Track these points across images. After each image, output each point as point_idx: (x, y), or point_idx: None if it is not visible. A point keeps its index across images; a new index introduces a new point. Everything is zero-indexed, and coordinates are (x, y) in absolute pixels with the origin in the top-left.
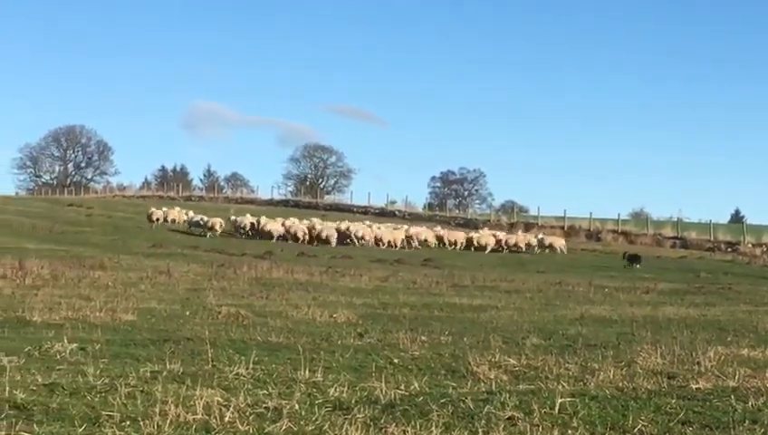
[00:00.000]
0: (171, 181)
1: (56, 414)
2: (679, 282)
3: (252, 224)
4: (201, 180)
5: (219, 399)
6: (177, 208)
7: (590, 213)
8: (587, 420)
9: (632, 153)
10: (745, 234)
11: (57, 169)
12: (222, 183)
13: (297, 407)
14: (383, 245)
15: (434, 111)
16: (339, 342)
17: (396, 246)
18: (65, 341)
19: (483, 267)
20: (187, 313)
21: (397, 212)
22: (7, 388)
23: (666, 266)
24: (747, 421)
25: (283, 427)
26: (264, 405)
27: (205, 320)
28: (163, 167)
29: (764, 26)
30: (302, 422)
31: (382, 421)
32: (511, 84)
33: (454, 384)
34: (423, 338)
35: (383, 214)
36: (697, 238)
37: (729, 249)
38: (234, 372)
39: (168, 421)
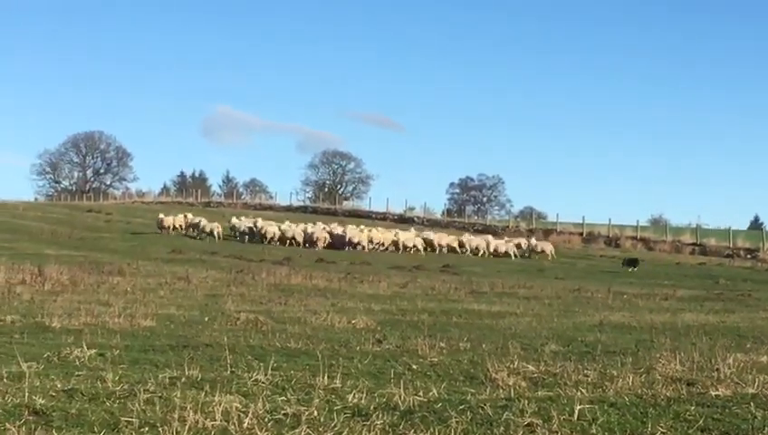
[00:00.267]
0: (190, 187)
1: (75, 420)
2: (698, 289)
3: (250, 228)
4: (220, 186)
5: (238, 405)
6: (181, 215)
7: (609, 219)
8: (606, 427)
9: (651, 160)
10: (765, 240)
11: (76, 174)
12: (241, 189)
13: (316, 413)
14: (375, 246)
15: (453, 117)
16: (357, 348)
17: (386, 247)
18: (84, 346)
19: (501, 274)
20: (206, 319)
21: (415, 218)
22: (27, 393)
23: (685, 273)
24: (767, 428)
25: (302, 433)
26: (282, 411)
27: (223, 326)
28: (182, 173)
29: None
30: (320, 429)
31: (401, 428)
32: (530, 90)
33: (472, 391)
34: (442, 344)
35: (402, 220)
36: (716, 245)
37: (748, 256)
38: (252, 379)
39: (187, 428)
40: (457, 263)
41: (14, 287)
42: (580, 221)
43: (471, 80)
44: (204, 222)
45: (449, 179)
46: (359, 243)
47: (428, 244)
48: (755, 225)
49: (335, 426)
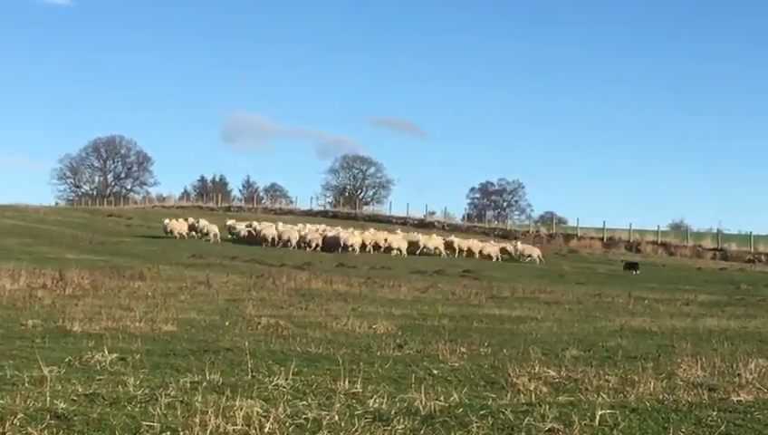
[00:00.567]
0: (210, 192)
1: (97, 424)
2: (719, 294)
3: (249, 232)
4: (240, 191)
5: (259, 410)
6: (181, 219)
7: (630, 224)
8: (627, 433)
9: (672, 164)
10: None
11: (97, 179)
12: (261, 194)
13: (337, 418)
14: (372, 248)
15: (474, 121)
16: (378, 353)
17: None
18: (105, 351)
19: (522, 279)
20: (227, 323)
21: (436, 223)
22: (48, 398)
23: (706, 278)
24: None
25: None
26: (303, 416)
27: (244, 330)
28: (202, 177)
29: None
30: (341, 433)
31: (422, 433)
32: (550, 95)
33: (493, 396)
34: (462, 349)
35: (422, 225)
36: (737, 250)
37: None
38: (273, 383)
39: (208, 432)
40: (478, 268)
41: (36, 292)
42: (601, 226)
43: (491, 84)
44: (202, 223)
45: (470, 184)
46: (351, 245)
47: (413, 244)
48: None
49: (356, 431)
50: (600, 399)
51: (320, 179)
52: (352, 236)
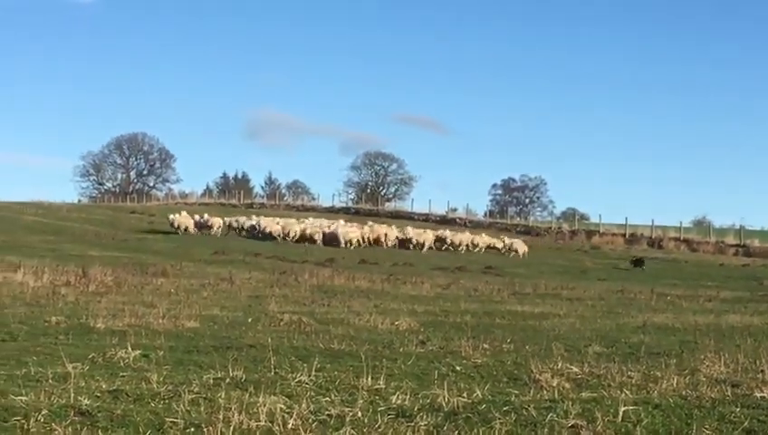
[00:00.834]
0: (233, 189)
1: (120, 421)
2: (742, 290)
3: (252, 225)
4: (262, 188)
5: (282, 406)
6: (185, 213)
7: (652, 220)
8: (650, 429)
9: (695, 160)
10: None
11: (119, 176)
12: (283, 191)
13: (360, 414)
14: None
15: (496, 118)
16: (401, 349)
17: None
18: (129, 347)
19: (544, 275)
20: (250, 320)
21: (458, 220)
22: (72, 394)
23: (728, 274)
24: None
25: (346, 434)
26: (326, 412)
27: (267, 327)
28: (225, 174)
29: None
30: (364, 430)
31: (445, 429)
32: (573, 93)
33: (516, 392)
34: (485, 346)
35: (444, 221)
36: (760, 246)
37: None
38: (296, 380)
39: (232, 428)
40: (500, 264)
41: (59, 289)
42: (623, 222)
43: (514, 81)
44: (205, 217)
45: (492, 180)
46: (349, 240)
47: (407, 240)
48: None
49: (379, 427)
50: (622, 395)
51: (342, 176)
52: (351, 232)
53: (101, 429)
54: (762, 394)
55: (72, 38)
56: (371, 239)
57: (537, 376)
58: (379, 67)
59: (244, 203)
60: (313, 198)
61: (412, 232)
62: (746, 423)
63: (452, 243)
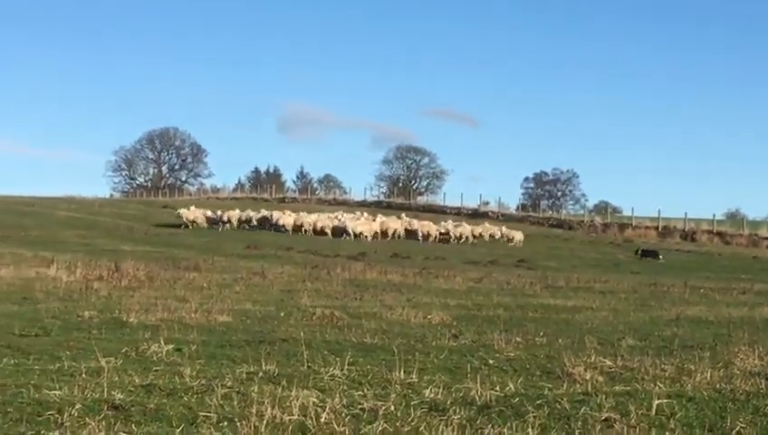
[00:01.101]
0: (264, 183)
1: (154, 415)
2: None
3: (264, 217)
4: (294, 182)
5: (315, 400)
6: (192, 207)
7: (685, 213)
8: (684, 422)
9: (728, 152)
10: None
11: (151, 171)
12: (315, 185)
13: (393, 408)
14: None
15: (527, 111)
16: (433, 343)
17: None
18: (161, 342)
19: (576, 268)
20: (282, 314)
21: (490, 213)
22: (106, 389)
23: (762, 267)
24: None
25: (379, 428)
26: (359, 406)
27: (299, 321)
28: (256, 168)
29: None
30: (397, 423)
31: (478, 422)
32: (604, 84)
33: (549, 385)
34: (518, 339)
35: (476, 215)
36: None
37: None
38: (329, 374)
39: (265, 422)
40: (532, 257)
41: (92, 283)
42: (656, 215)
43: (544, 74)
44: (219, 213)
45: (524, 174)
46: (361, 233)
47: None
48: None
49: (412, 420)
50: (656, 388)
51: (374, 170)
52: (361, 224)
53: (135, 423)
54: None
55: (103, 33)
56: (381, 232)
57: (570, 369)
58: (411, 61)
59: (275, 197)
60: (345, 193)
61: (417, 224)
62: None
63: (454, 235)
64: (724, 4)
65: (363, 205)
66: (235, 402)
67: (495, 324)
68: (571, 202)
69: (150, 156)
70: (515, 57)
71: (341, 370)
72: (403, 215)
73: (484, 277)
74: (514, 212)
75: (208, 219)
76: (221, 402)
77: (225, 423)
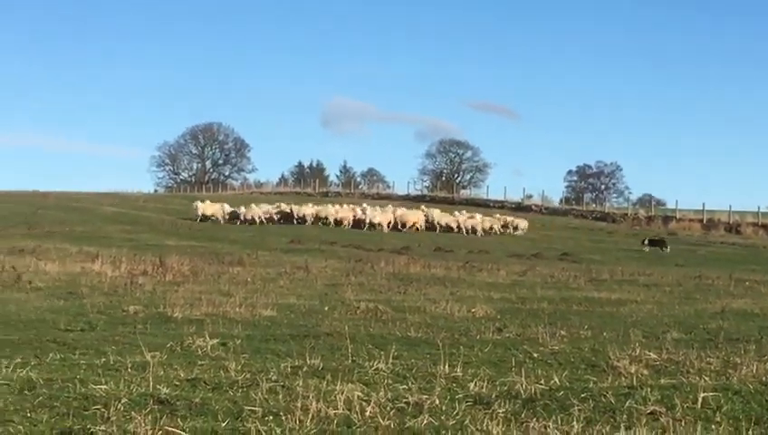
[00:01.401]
0: (308, 177)
1: (199, 409)
2: None
3: (285, 212)
4: (337, 176)
5: (360, 394)
6: (208, 201)
7: (730, 206)
8: (730, 415)
9: None
10: None
11: (195, 166)
12: (358, 179)
13: (437, 402)
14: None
15: (571, 104)
16: (477, 336)
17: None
18: (206, 336)
19: (620, 261)
20: (326, 308)
21: (533, 207)
22: (151, 383)
23: None
24: None
25: (424, 422)
26: (404, 400)
27: (343, 315)
28: (300, 163)
29: None
30: (442, 417)
31: (523, 416)
32: (647, 76)
33: (594, 379)
34: (562, 332)
35: (519, 208)
36: None
37: None
38: (373, 367)
39: (310, 416)
40: (576, 251)
41: (137, 278)
42: (700, 208)
43: (588, 66)
44: (242, 209)
45: (567, 167)
46: (379, 223)
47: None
48: None
49: (457, 414)
50: (702, 381)
51: (417, 164)
52: (378, 215)
53: (180, 417)
54: None
55: (148, 28)
56: (401, 224)
57: (615, 363)
58: (454, 54)
59: (319, 192)
60: (388, 187)
61: (437, 216)
62: None
63: (465, 228)
64: None
65: (407, 199)
66: (280, 397)
67: (540, 318)
68: (614, 195)
69: (194, 151)
70: (558, 49)
71: (386, 363)
72: (422, 207)
73: (527, 271)
74: (558, 205)
75: (230, 214)
76: (266, 397)
77: (271, 417)
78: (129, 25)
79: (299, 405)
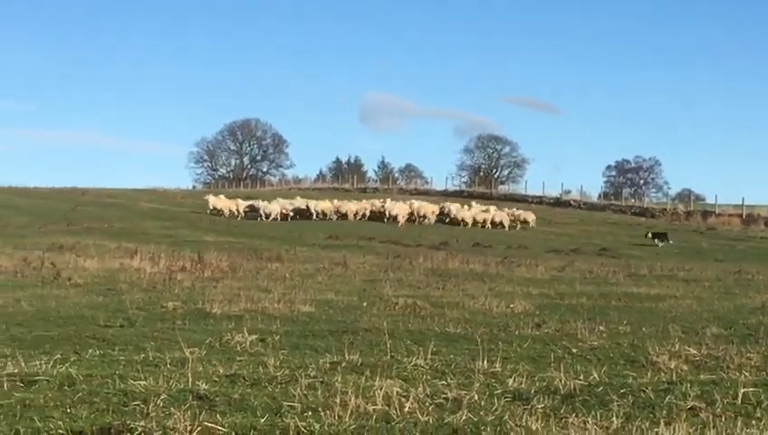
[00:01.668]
0: (346, 173)
1: (238, 404)
2: None
3: (301, 209)
4: (375, 172)
5: (398, 389)
6: (222, 196)
7: None
8: None
9: None
10: None
11: (233, 162)
12: (396, 175)
13: (476, 397)
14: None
15: (609, 99)
16: (516, 332)
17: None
18: (245, 332)
19: (659, 257)
20: (365, 304)
21: (572, 202)
22: (190, 379)
23: None
24: None
25: (463, 417)
26: (443, 395)
27: (382, 311)
28: (338, 159)
29: None
30: (481, 413)
31: (562, 411)
32: (685, 71)
33: (633, 374)
34: (601, 328)
35: (558, 203)
36: None
37: None
38: (412, 363)
39: (349, 412)
40: (615, 246)
41: (175, 274)
42: (740, 203)
43: (626, 61)
44: (260, 203)
45: (605, 162)
46: (396, 216)
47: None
48: None
49: (496, 410)
50: (742, 377)
51: (455, 160)
52: (396, 208)
53: (219, 413)
54: None
55: (186, 25)
56: (419, 216)
57: (654, 358)
58: (492, 49)
59: (357, 187)
60: (426, 182)
61: (453, 207)
62: None
63: (455, 218)
64: None
65: (445, 194)
66: (319, 392)
67: (578, 313)
68: (653, 190)
69: (232, 147)
70: (595, 44)
71: (425, 359)
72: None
73: (566, 266)
74: (596, 201)
75: (248, 208)
76: (305, 392)
77: (310, 413)
78: (168, 23)
79: (338, 401)
